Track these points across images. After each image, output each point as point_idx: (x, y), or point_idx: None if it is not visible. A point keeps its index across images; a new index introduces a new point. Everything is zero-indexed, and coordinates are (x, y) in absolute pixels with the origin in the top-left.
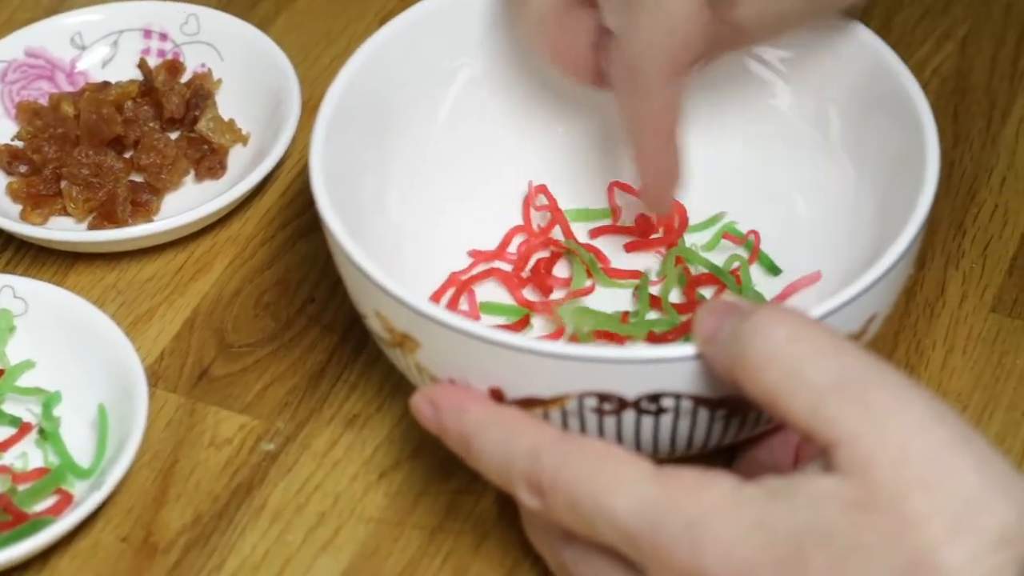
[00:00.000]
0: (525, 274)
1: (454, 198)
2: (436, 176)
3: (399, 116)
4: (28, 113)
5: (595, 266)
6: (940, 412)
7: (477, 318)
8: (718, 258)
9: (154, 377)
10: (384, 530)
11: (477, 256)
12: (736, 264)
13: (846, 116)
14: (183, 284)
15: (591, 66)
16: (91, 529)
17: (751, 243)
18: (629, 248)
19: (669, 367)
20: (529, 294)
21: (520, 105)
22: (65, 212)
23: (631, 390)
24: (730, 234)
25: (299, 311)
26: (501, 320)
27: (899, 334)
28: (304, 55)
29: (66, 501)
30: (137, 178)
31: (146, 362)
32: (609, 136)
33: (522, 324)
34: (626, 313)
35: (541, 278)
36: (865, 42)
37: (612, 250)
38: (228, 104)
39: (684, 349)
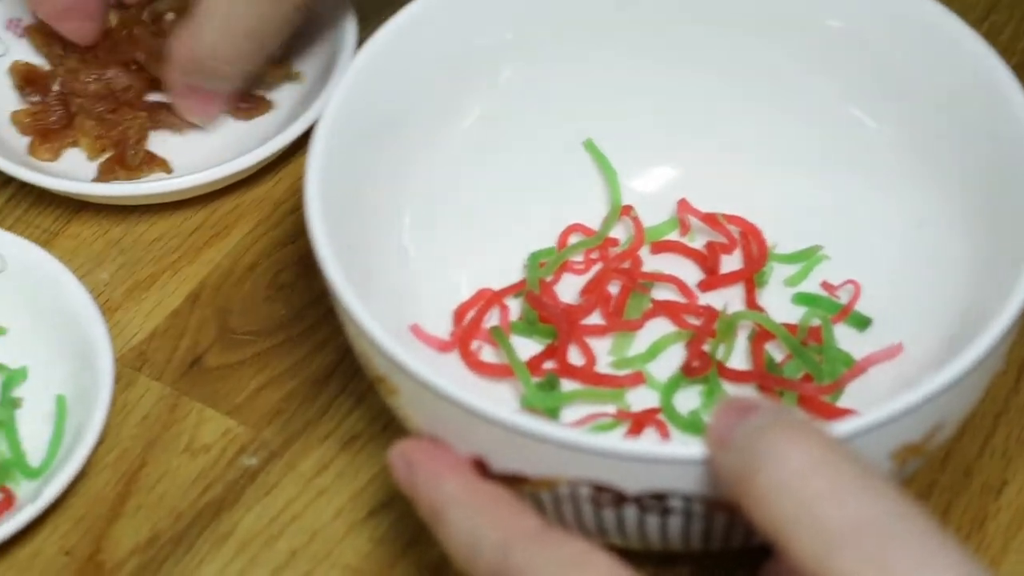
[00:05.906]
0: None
1: (503, 195)
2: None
3: (423, 116)
4: None
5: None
6: None
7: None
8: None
9: (140, 360)
10: None
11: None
12: (816, 322)
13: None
14: (194, 250)
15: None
16: (34, 536)
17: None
18: (704, 287)
19: (673, 468)
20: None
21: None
22: (78, 145)
23: (631, 486)
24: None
25: (316, 299)
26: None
27: (1001, 416)
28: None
29: (8, 502)
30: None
31: (135, 340)
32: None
33: (556, 351)
34: None
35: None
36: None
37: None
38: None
39: (692, 449)
